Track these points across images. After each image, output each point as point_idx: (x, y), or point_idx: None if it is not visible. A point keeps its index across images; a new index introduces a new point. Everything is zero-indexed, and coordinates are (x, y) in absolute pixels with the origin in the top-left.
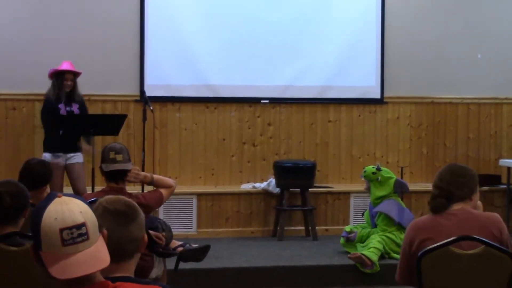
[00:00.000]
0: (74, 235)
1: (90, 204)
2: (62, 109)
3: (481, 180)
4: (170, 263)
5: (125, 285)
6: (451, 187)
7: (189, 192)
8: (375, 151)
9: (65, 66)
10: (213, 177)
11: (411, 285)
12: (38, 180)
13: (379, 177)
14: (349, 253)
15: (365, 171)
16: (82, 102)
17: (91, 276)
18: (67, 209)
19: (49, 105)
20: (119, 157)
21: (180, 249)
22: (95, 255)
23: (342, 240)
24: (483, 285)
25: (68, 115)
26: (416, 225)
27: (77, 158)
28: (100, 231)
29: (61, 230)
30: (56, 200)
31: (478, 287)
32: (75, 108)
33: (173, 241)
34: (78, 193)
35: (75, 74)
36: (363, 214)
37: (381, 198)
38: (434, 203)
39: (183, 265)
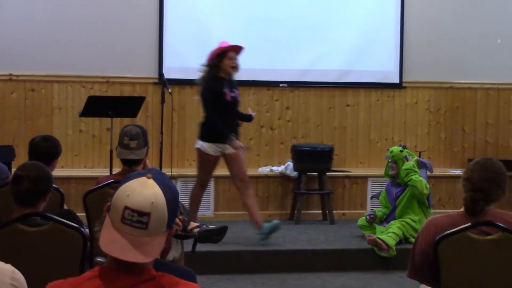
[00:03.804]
0: (134, 218)
1: (110, 185)
2: (228, 94)
3: None
4: (187, 245)
5: (167, 276)
6: (491, 190)
7: None
8: (393, 135)
9: (228, 44)
10: None
11: (424, 282)
12: (44, 157)
13: (407, 155)
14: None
15: (391, 151)
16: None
17: (137, 264)
18: (143, 193)
19: (217, 89)
20: (133, 144)
21: (197, 230)
22: (144, 247)
23: (361, 220)
24: (501, 270)
25: (233, 101)
26: (439, 224)
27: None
28: (170, 228)
29: (126, 207)
30: (141, 179)
31: (496, 272)
32: (237, 93)
33: (190, 222)
34: (240, 180)
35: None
36: (375, 197)
37: (411, 169)
38: (476, 207)
39: (200, 248)
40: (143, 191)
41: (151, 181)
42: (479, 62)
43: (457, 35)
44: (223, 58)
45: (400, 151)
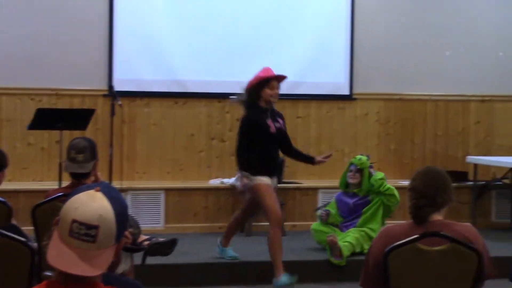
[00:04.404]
0: (81, 232)
1: (59, 198)
2: (272, 126)
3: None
4: (137, 258)
5: None
6: (435, 195)
7: (157, 187)
8: (343, 147)
9: (271, 72)
10: (181, 172)
11: None
12: None
13: (372, 163)
14: (320, 240)
15: (360, 159)
16: (281, 114)
17: (85, 277)
18: (91, 206)
19: (259, 122)
20: (79, 157)
21: (147, 243)
22: (92, 260)
23: (314, 225)
24: (449, 280)
25: (278, 133)
26: (392, 233)
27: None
28: (119, 241)
29: (73, 221)
30: (90, 192)
31: (444, 282)
32: (281, 123)
33: (140, 235)
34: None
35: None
36: (320, 209)
37: (384, 178)
38: (421, 214)
39: (150, 260)
40: (91, 203)
41: (100, 194)
42: (428, 74)
43: (406, 48)
44: (264, 87)
45: (367, 159)
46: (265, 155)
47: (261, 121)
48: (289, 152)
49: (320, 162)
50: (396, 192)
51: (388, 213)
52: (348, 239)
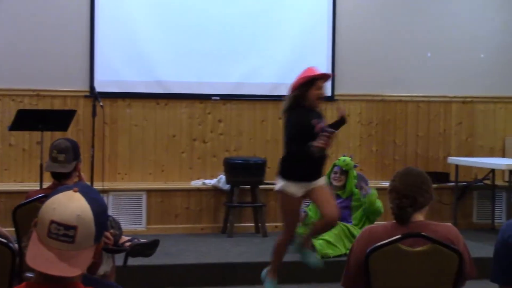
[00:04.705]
0: (60, 232)
1: (40, 199)
2: (317, 126)
3: (430, 177)
4: (118, 259)
5: None
6: (416, 195)
7: (138, 189)
8: None
9: (316, 71)
10: (163, 173)
11: None
12: None
13: (357, 164)
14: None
15: (344, 161)
16: (322, 115)
17: (65, 278)
18: (69, 206)
19: (303, 119)
20: (60, 157)
21: (129, 244)
22: (71, 261)
23: (299, 229)
24: (430, 281)
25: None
26: (374, 233)
27: (320, 180)
28: (98, 241)
29: (52, 221)
30: (68, 193)
31: (425, 283)
32: (324, 124)
33: (122, 236)
34: (325, 217)
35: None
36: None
37: (376, 194)
38: (404, 214)
39: (131, 261)
40: (69, 204)
41: (78, 195)
42: (410, 75)
43: (388, 49)
44: (310, 87)
45: (351, 160)
46: (304, 157)
47: (306, 121)
48: None
49: (341, 110)
50: (382, 210)
51: (372, 223)
52: (325, 236)
